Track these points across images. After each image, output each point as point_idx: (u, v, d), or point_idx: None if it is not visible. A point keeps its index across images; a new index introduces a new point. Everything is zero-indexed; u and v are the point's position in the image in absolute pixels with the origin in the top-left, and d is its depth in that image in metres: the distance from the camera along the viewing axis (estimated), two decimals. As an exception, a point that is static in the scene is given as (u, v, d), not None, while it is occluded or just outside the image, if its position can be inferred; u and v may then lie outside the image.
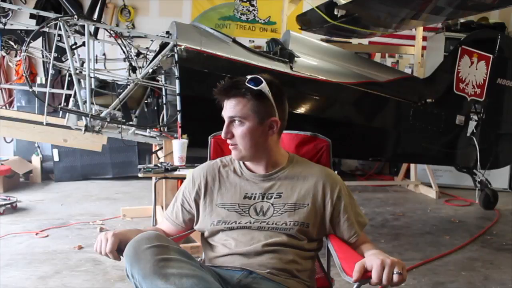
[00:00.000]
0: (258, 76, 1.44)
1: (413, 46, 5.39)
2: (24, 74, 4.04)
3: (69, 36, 3.20)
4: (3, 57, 5.43)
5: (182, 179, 2.82)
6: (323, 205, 1.48)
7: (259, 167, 1.52)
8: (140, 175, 2.76)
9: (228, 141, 1.48)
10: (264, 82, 1.42)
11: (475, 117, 4.18)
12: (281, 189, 1.49)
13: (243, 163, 1.55)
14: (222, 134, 1.47)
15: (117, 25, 5.72)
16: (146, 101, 3.64)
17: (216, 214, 1.48)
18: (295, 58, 3.50)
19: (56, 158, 5.25)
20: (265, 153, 1.50)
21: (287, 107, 1.54)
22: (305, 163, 1.60)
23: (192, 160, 2.80)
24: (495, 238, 3.65)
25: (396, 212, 4.37)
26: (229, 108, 1.45)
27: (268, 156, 1.51)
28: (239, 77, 1.46)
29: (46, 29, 3.33)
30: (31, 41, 3.22)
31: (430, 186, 5.10)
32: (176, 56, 3.17)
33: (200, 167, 1.60)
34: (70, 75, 3.29)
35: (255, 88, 1.42)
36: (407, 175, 5.49)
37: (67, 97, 3.47)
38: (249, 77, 1.44)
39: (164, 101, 3.56)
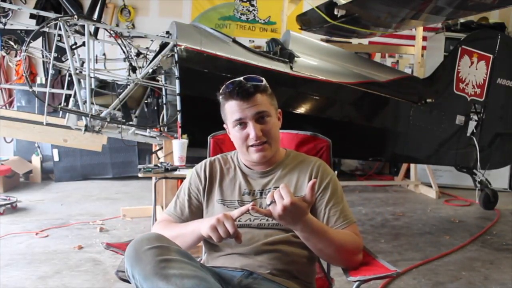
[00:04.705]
0: (253, 75, 1.46)
1: (413, 46, 5.39)
2: (24, 74, 4.04)
3: (69, 36, 3.20)
4: (3, 57, 5.43)
5: (182, 179, 2.82)
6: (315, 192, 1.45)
7: (261, 164, 1.51)
8: (140, 175, 2.77)
9: (258, 141, 1.42)
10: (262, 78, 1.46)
11: (475, 117, 4.18)
12: (278, 183, 1.48)
13: (241, 160, 1.55)
14: (254, 135, 1.41)
15: (117, 25, 5.72)
16: (146, 101, 3.64)
17: (217, 211, 1.47)
18: (295, 58, 3.50)
19: (56, 158, 5.25)
20: (279, 147, 1.53)
21: None
22: (301, 156, 1.59)
23: (192, 160, 2.79)
24: (495, 238, 3.65)
25: (396, 212, 4.37)
26: (252, 105, 1.41)
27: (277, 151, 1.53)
28: (237, 79, 1.45)
29: (46, 29, 3.32)
30: (31, 41, 3.21)
31: (430, 186, 5.10)
32: (176, 56, 3.18)
33: (201, 163, 1.58)
34: (70, 75, 3.29)
35: (262, 83, 1.45)
36: (407, 175, 5.49)
37: (67, 97, 3.47)
38: (243, 77, 1.44)
39: (164, 101, 3.56)
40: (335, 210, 1.42)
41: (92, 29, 3.33)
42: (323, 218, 1.42)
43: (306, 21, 4.61)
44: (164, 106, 3.57)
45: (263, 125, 1.43)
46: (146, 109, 3.72)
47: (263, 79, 1.47)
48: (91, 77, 3.19)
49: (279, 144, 1.53)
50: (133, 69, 3.38)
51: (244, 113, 1.42)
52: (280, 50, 3.61)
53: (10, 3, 5.13)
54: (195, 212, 1.51)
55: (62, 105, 3.33)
